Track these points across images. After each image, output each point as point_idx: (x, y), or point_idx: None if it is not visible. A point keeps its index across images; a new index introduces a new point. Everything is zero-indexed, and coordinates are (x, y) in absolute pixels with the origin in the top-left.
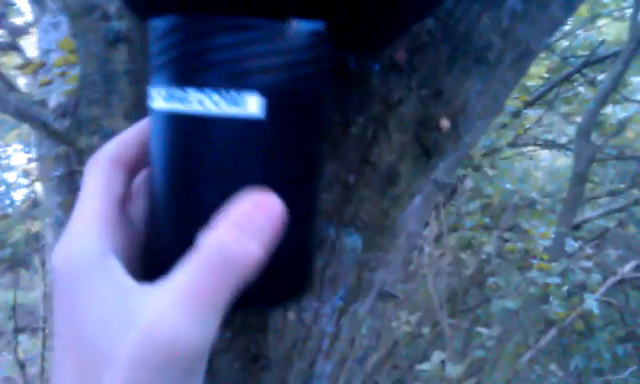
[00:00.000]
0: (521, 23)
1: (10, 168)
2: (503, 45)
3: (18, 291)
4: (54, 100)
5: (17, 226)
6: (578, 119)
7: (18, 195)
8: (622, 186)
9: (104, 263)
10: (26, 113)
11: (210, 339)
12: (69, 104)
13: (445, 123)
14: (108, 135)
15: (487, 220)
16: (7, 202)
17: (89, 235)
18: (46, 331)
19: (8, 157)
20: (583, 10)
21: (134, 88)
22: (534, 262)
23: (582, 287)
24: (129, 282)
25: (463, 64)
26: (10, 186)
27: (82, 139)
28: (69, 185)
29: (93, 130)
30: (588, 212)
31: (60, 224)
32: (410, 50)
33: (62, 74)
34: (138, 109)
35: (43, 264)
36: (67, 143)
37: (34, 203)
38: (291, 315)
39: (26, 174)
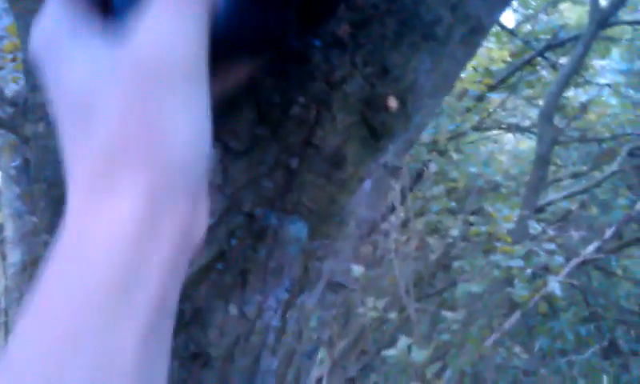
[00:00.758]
0: None
1: None
2: (453, 19)
3: None
4: (12, 88)
5: None
6: (541, 102)
7: None
8: (584, 167)
9: (75, 31)
10: None
11: (199, 43)
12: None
13: (392, 103)
14: (52, 122)
15: (453, 204)
16: None
17: (55, 14)
18: (8, 324)
19: None
20: None
21: None
22: (499, 245)
23: (546, 269)
24: (101, 39)
25: (411, 40)
26: None
27: (28, 126)
28: (27, 175)
29: (38, 117)
30: (551, 194)
31: (20, 215)
32: (353, 24)
33: (13, 60)
34: None
35: (4, 257)
36: (12, 131)
37: None
38: (233, 309)
39: None
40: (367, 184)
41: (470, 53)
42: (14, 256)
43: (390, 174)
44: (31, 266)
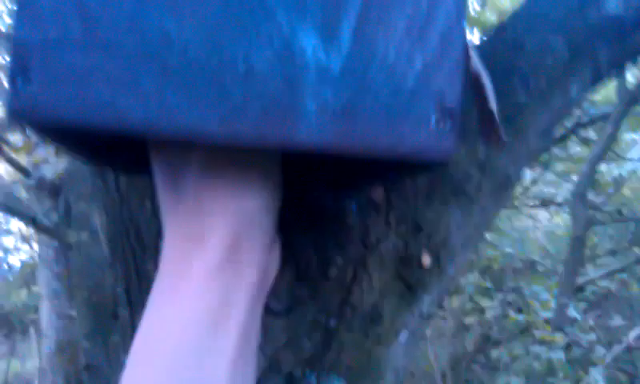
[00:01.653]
0: (499, 154)
1: (8, 232)
2: (482, 176)
3: (14, 360)
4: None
5: (14, 291)
6: (574, 177)
7: (15, 260)
8: (623, 244)
9: None
10: (14, 209)
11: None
12: (60, 190)
13: (426, 259)
14: (96, 231)
15: (488, 284)
16: (5, 266)
17: None
18: None
19: (7, 221)
20: None
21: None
22: (537, 333)
23: (587, 358)
24: None
25: (442, 197)
26: (8, 251)
27: (71, 234)
28: (65, 255)
29: (82, 226)
30: (590, 271)
31: (57, 296)
32: (386, 186)
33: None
34: None
35: (39, 334)
36: (57, 239)
37: (32, 269)
38: None
39: (24, 239)
40: (404, 335)
41: (500, 205)
42: (50, 337)
43: (425, 322)
44: (67, 348)
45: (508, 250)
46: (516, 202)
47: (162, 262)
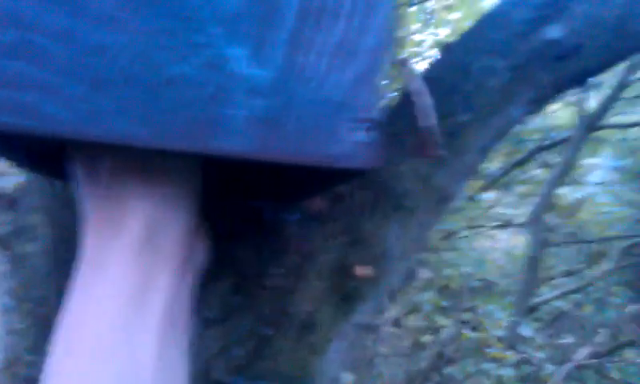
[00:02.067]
0: (438, 170)
1: None
2: (421, 191)
3: None
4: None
5: None
6: (534, 199)
7: None
8: (578, 266)
9: None
10: None
11: None
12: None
13: (363, 270)
14: (42, 242)
15: (445, 302)
16: None
17: None
18: None
19: None
20: None
21: None
22: (489, 350)
23: (537, 376)
24: None
25: (382, 211)
26: None
27: (19, 246)
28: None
29: (29, 237)
30: (545, 291)
31: (7, 311)
32: (326, 199)
33: None
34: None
35: None
36: (5, 248)
37: None
38: None
39: None
40: (339, 344)
41: (438, 218)
42: None
43: (363, 331)
44: (14, 365)
45: (466, 269)
46: (476, 223)
47: (83, 251)
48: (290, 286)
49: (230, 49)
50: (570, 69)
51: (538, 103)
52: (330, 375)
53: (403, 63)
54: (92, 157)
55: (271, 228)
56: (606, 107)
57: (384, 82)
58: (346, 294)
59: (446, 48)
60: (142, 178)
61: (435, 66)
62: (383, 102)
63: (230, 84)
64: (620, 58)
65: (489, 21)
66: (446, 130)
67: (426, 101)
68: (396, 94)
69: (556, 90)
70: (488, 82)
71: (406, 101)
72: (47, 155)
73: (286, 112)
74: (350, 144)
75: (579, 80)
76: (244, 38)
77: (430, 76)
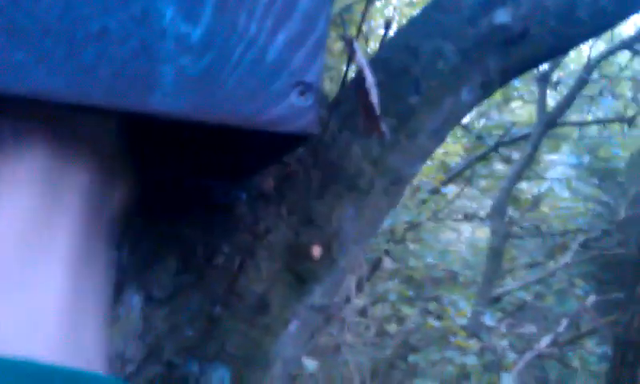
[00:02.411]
0: (391, 152)
1: None
2: (374, 172)
3: None
4: None
5: None
6: (496, 193)
7: None
8: (539, 258)
9: None
10: None
11: None
12: None
13: (317, 250)
14: None
15: (411, 292)
16: None
17: None
18: None
19: None
20: (497, 93)
21: None
22: (453, 339)
23: (499, 364)
24: None
25: (335, 191)
26: None
27: None
28: None
29: None
30: (509, 282)
31: None
32: (278, 177)
33: None
34: None
35: None
36: None
37: None
38: None
39: None
40: (294, 324)
41: (393, 201)
42: None
43: (317, 313)
44: None
45: (430, 260)
46: (440, 215)
47: None
48: (240, 265)
49: (156, 4)
50: (518, 54)
51: (487, 88)
52: (285, 356)
53: (348, 41)
54: None
55: (220, 206)
56: (565, 105)
57: (322, 47)
58: (300, 274)
59: (395, 32)
60: (45, 128)
61: (384, 48)
62: (320, 67)
63: (156, 39)
64: (567, 44)
65: (438, 5)
66: (396, 111)
67: (369, 76)
68: (345, 74)
69: (504, 76)
70: (437, 65)
71: (356, 81)
72: None
73: (218, 72)
74: (286, 107)
75: (527, 66)
76: None
77: (379, 57)
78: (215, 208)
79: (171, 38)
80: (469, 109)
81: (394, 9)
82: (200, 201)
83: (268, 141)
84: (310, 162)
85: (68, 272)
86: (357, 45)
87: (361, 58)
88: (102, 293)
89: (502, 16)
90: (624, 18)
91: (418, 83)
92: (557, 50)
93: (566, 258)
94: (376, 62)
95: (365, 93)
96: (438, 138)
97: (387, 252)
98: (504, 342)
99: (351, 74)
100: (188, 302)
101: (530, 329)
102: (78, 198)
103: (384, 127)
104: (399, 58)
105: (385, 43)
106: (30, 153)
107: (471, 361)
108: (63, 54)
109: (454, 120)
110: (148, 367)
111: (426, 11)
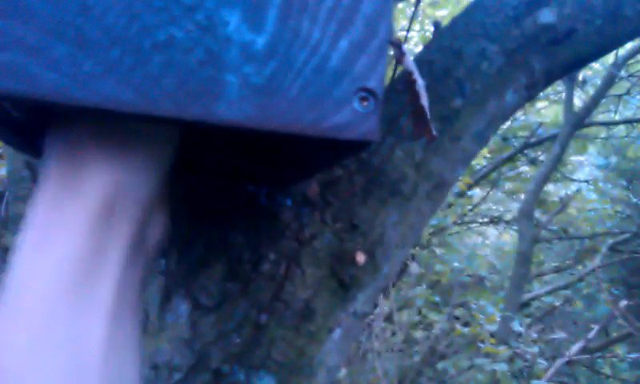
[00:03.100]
0: (434, 156)
1: None
2: (417, 177)
3: None
4: None
5: None
6: (522, 196)
7: None
8: (568, 262)
9: None
10: None
11: None
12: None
13: (361, 257)
14: None
15: (437, 298)
16: None
17: None
18: None
19: None
20: None
21: None
22: (482, 346)
23: (530, 371)
24: None
25: (378, 196)
26: None
27: (8, 237)
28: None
29: (18, 227)
30: (536, 287)
31: None
32: (322, 183)
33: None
34: None
35: None
36: None
37: None
38: None
39: None
40: (337, 332)
41: (436, 206)
42: None
43: (360, 320)
44: None
45: (456, 264)
46: (466, 219)
47: (33, 210)
48: (286, 272)
49: (221, 12)
50: (563, 54)
51: (532, 90)
52: (328, 364)
53: (396, 44)
54: (65, 123)
55: (266, 212)
56: (592, 105)
57: (384, 52)
58: (344, 281)
59: (437, 34)
60: (108, 144)
61: (427, 50)
62: (382, 72)
63: (221, 48)
64: (613, 44)
65: (480, 5)
66: (440, 114)
67: (418, 80)
68: (391, 76)
69: (549, 77)
70: (481, 67)
71: (399, 83)
72: (25, 125)
73: (281, 79)
74: (348, 114)
75: (572, 67)
76: (235, 1)
77: (423, 59)
78: (261, 214)
79: (236, 47)
80: (513, 111)
81: (418, 9)
82: (246, 207)
83: (328, 147)
84: (353, 167)
85: (108, 321)
86: (405, 48)
87: (409, 61)
88: (136, 339)
89: (546, 16)
90: None
91: (462, 85)
92: (602, 50)
93: (595, 261)
94: (419, 63)
95: (415, 95)
96: (482, 140)
97: (413, 257)
98: (534, 349)
99: (392, 79)
100: (235, 309)
101: (559, 335)
102: (124, 240)
103: (434, 130)
104: (442, 60)
105: (428, 45)
106: (89, 182)
107: (501, 368)
108: (130, 64)
109: (497, 122)
110: (196, 375)
111: (468, 11)
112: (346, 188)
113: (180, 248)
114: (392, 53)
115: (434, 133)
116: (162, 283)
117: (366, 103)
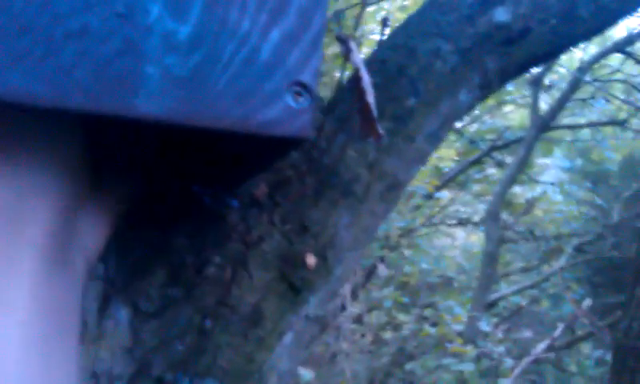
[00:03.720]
0: (388, 156)
1: None
2: (371, 177)
3: None
4: None
5: None
6: (489, 197)
7: None
8: (534, 262)
9: None
10: None
11: None
12: None
13: (311, 259)
14: None
15: (406, 299)
16: None
17: None
18: None
19: None
20: (489, 97)
21: None
22: (449, 345)
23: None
24: None
25: (330, 197)
26: None
27: None
28: None
29: None
30: (503, 287)
31: None
32: (271, 184)
33: None
34: None
35: None
36: None
37: None
38: None
39: None
40: (288, 336)
41: (390, 207)
42: None
43: (312, 324)
44: None
45: (425, 266)
46: (435, 221)
47: None
48: (232, 276)
49: (143, 1)
50: (518, 54)
51: (486, 89)
52: (280, 370)
53: (342, 39)
54: None
55: (210, 215)
56: (558, 108)
57: (318, 45)
58: (294, 284)
59: (392, 32)
60: (3, 145)
61: (380, 49)
62: (317, 66)
63: (141, 38)
64: (568, 43)
65: (435, 3)
66: (394, 114)
67: (365, 76)
68: (340, 76)
69: (504, 77)
70: (435, 66)
71: (351, 83)
72: None
73: (207, 72)
74: (280, 109)
75: (527, 66)
76: None
77: (375, 58)
78: (205, 216)
79: (157, 36)
80: (467, 110)
81: (387, 13)
82: (190, 209)
83: (260, 145)
84: (304, 168)
85: (24, 324)
86: (352, 43)
87: (356, 57)
88: (69, 339)
89: (501, 14)
90: (624, 15)
91: (416, 85)
92: (557, 50)
93: (560, 261)
94: (372, 63)
95: (361, 92)
96: (436, 140)
97: (382, 258)
98: (501, 348)
99: (344, 77)
100: (178, 315)
101: (526, 334)
102: (37, 245)
103: (381, 129)
104: (396, 58)
105: (381, 43)
106: None
107: (468, 368)
108: (41, 54)
109: (451, 122)
110: (139, 383)
111: (423, 10)
112: (296, 189)
113: (119, 252)
114: (340, 51)
115: (381, 132)
116: (101, 289)
117: (300, 98)
